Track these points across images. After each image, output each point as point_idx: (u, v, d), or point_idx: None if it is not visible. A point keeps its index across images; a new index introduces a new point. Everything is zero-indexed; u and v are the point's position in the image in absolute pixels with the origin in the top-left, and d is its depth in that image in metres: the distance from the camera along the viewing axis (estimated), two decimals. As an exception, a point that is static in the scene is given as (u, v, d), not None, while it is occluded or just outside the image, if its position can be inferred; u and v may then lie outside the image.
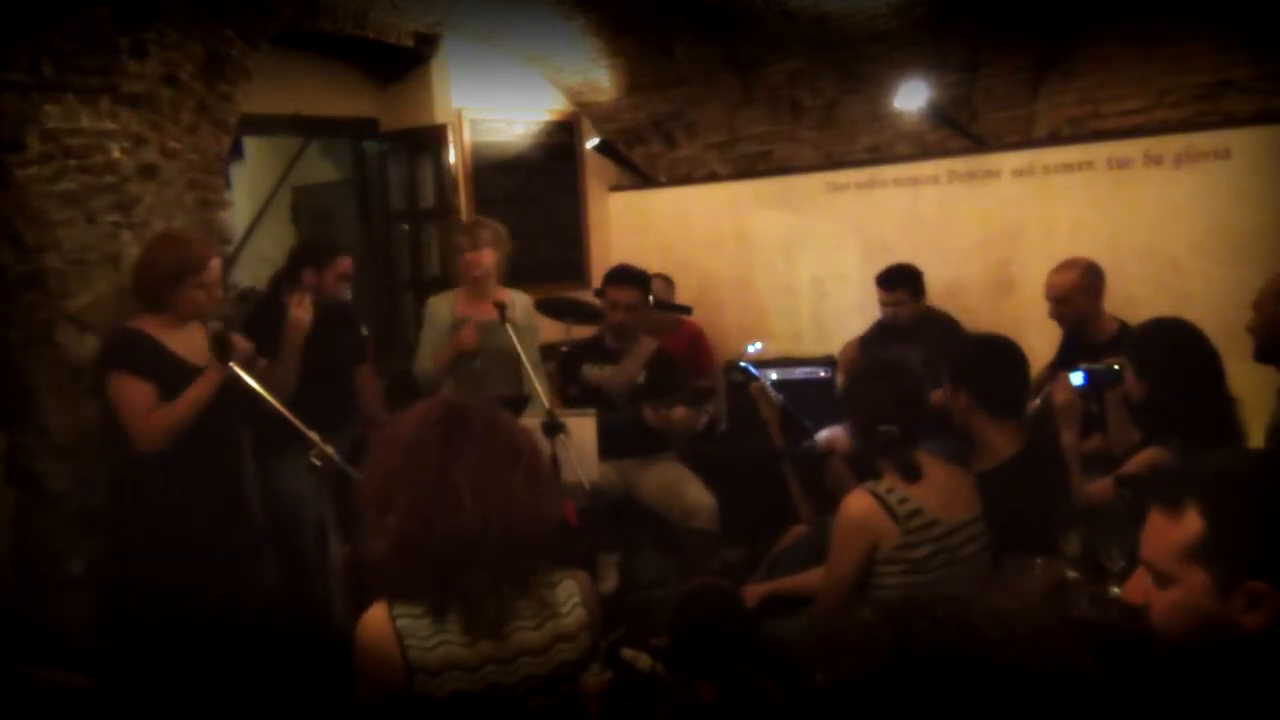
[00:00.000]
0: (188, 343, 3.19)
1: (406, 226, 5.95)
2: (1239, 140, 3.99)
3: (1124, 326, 3.80)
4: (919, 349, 3.99)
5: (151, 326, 3.16)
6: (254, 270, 5.41)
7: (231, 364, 2.98)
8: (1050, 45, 4.32)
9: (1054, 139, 4.54)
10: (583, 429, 3.49)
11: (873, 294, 4.67)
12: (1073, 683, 0.98)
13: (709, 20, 4.88)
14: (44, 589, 3.40)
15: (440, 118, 5.58)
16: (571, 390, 4.40)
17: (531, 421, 3.27)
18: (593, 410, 3.71)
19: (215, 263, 3.22)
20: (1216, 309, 3.62)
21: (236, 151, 5.49)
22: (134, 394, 3.06)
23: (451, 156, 5.61)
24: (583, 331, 4.72)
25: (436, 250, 5.84)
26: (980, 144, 4.74)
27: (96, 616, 3.35)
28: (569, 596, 1.92)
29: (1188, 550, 1.33)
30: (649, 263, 5.45)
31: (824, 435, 3.12)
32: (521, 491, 1.82)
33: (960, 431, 2.85)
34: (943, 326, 4.48)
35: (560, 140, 6.03)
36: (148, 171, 3.56)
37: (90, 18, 3.31)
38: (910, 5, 4.30)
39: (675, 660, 2.42)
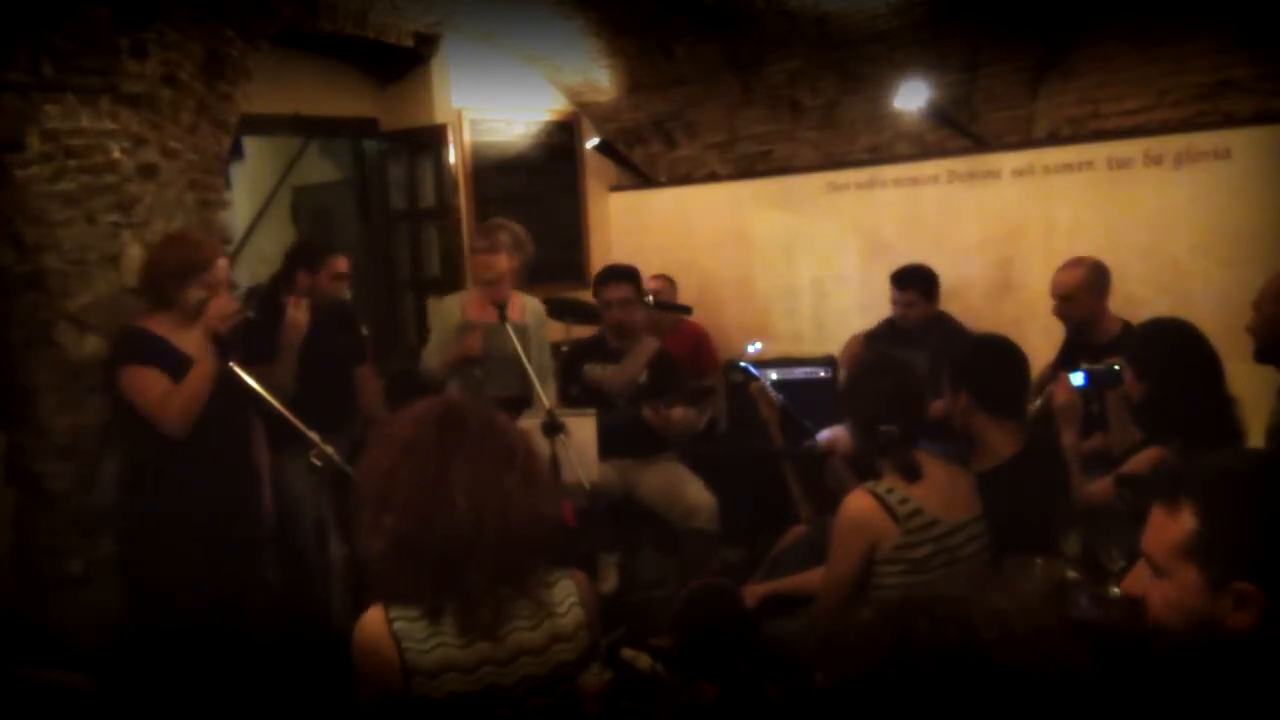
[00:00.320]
0: (195, 342, 3.19)
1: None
2: (1239, 140, 3.99)
3: (1128, 327, 3.79)
4: (925, 354, 3.96)
5: (158, 326, 3.16)
6: (254, 270, 5.42)
7: (231, 364, 2.99)
8: (1050, 45, 4.32)
9: (1054, 139, 4.54)
10: (583, 429, 3.49)
11: (873, 294, 4.67)
12: (1073, 683, 0.99)
13: (709, 20, 4.88)
14: (44, 589, 3.40)
15: (440, 118, 5.58)
16: (572, 390, 4.40)
17: (532, 421, 3.27)
18: (593, 410, 3.70)
19: (222, 263, 3.22)
20: (1216, 309, 3.63)
21: (236, 151, 5.49)
22: (149, 382, 3.06)
23: (451, 156, 5.61)
24: (583, 331, 4.73)
25: (437, 250, 5.84)
26: (980, 144, 4.74)
27: (116, 615, 3.33)
28: (566, 596, 1.92)
29: (1181, 547, 1.36)
30: (649, 263, 5.47)
31: (825, 435, 3.12)
32: (517, 492, 1.82)
33: (960, 432, 2.85)
34: (950, 332, 4.45)
35: (560, 140, 6.03)
36: (148, 171, 3.56)
37: (90, 18, 3.31)
38: (910, 5, 4.30)
39: (678, 660, 2.42)
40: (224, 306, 3.07)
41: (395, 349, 5.71)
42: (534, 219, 4.32)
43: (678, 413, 4.08)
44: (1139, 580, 1.43)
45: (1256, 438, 2.94)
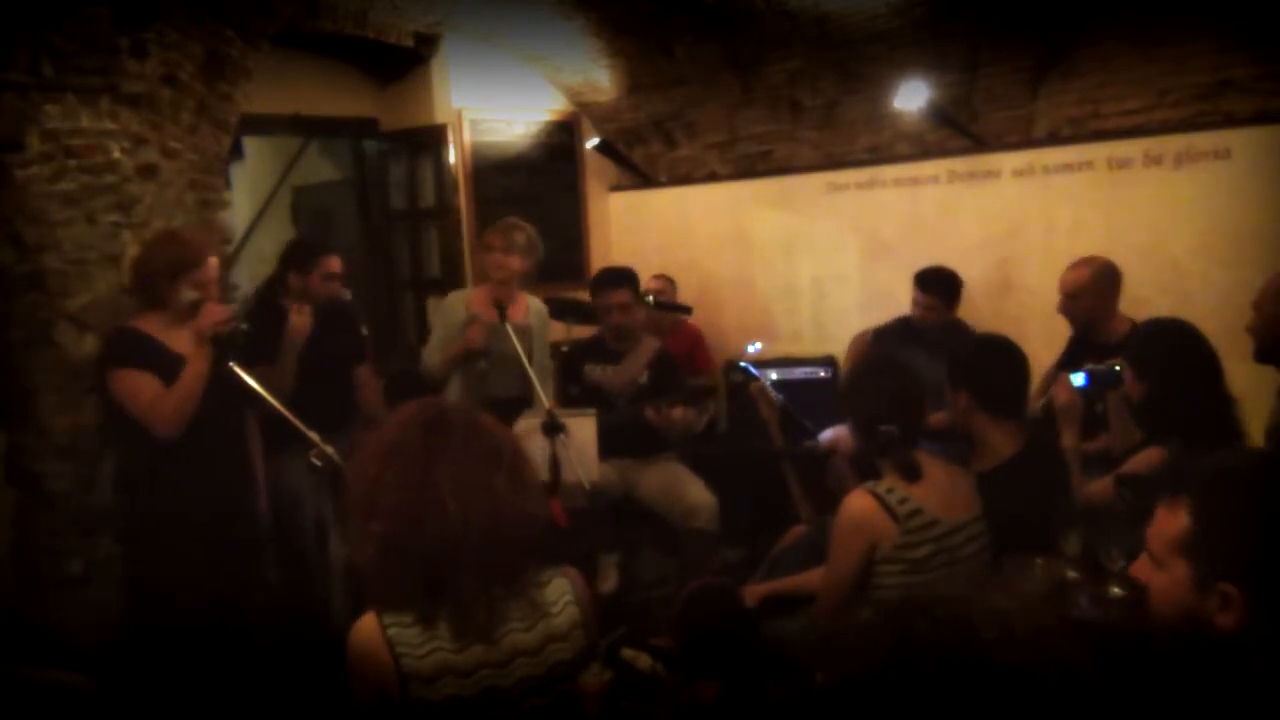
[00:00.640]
0: (187, 341, 3.19)
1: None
2: (1239, 140, 3.99)
3: (1136, 327, 3.78)
4: (935, 359, 3.92)
5: (150, 325, 3.15)
6: (254, 270, 5.41)
7: (231, 365, 2.99)
8: (1050, 45, 4.32)
9: (1054, 139, 4.53)
10: (583, 429, 3.48)
11: (873, 294, 4.67)
12: (1073, 683, 0.99)
13: (709, 20, 4.88)
14: (44, 589, 3.40)
15: (440, 118, 5.58)
16: (572, 390, 4.40)
17: (532, 422, 3.27)
18: (593, 410, 3.70)
19: (213, 260, 3.21)
20: (1216, 309, 3.62)
21: (236, 151, 5.49)
22: (139, 385, 3.05)
23: (451, 156, 5.61)
24: (583, 331, 4.73)
25: (437, 250, 5.84)
26: (980, 144, 4.74)
27: (116, 615, 3.33)
28: (560, 595, 1.92)
29: (1176, 542, 1.41)
30: (649, 263, 5.47)
31: (828, 435, 3.11)
32: (505, 492, 1.81)
33: (960, 432, 2.85)
34: (964, 341, 4.38)
35: (560, 140, 6.03)
36: (148, 171, 3.57)
37: (90, 18, 3.31)
38: (910, 5, 4.30)
39: (678, 660, 2.42)
40: (216, 314, 3.05)
41: (395, 349, 5.71)
42: (534, 219, 4.33)
43: (678, 413, 4.08)
44: (1144, 568, 1.49)
45: (1256, 438, 2.94)
